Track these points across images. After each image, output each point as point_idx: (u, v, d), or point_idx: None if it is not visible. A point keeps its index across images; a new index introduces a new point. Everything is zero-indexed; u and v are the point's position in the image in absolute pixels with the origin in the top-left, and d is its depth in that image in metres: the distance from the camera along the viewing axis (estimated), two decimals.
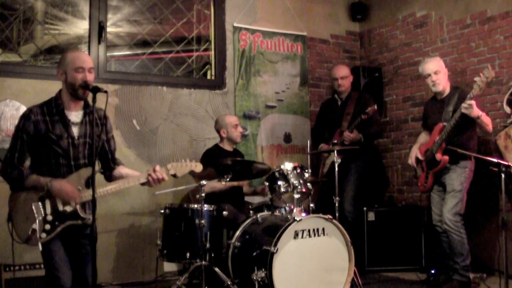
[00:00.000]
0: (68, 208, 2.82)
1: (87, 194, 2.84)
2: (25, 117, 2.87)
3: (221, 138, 4.76)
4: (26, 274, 4.00)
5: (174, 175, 3.09)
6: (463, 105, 4.01)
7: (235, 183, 4.60)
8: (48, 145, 2.84)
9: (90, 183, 2.87)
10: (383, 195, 6.06)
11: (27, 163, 2.89)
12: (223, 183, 4.02)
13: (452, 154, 4.12)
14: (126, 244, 4.90)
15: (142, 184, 3.01)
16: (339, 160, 4.39)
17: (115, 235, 4.86)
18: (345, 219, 4.99)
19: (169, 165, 3.07)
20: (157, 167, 2.99)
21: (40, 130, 2.84)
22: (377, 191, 6.02)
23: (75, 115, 2.94)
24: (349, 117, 5.07)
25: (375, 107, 4.83)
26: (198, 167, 3.18)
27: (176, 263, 4.88)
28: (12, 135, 2.93)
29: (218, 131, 4.77)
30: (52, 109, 2.90)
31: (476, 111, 4.01)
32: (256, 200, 4.84)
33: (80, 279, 2.92)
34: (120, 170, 3.12)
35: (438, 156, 4.22)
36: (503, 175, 3.54)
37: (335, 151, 4.38)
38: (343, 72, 5.25)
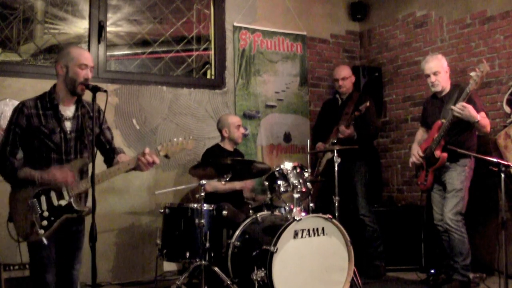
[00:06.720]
0: (63, 202, 2.82)
1: (80, 186, 2.85)
2: (18, 110, 2.86)
3: (223, 138, 4.76)
4: (26, 273, 3.99)
5: (166, 156, 3.03)
6: (454, 108, 4.00)
7: (237, 187, 4.58)
8: (40, 139, 2.83)
9: (82, 173, 2.92)
10: (380, 195, 6.05)
11: (20, 155, 2.88)
12: (223, 183, 4.01)
13: (452, 152, 4.12)
14: (126, 243, 4.90)
15: (133, 169, 2.96)
16: (339, 160, 4.38)
17: (115, 235, 4.86)
18: (361, 222, 5.00)
19: (159, 146, 3.02)
20: (147, 150, 2.92)
21: (32, 124, 2.83)
22: (375, 191, 5.99)
23: (68, 110, 2.93)
24: (347, 116, 5.02)
25: (368, 104, 4.69)
26: (190, 144, 3.10)
27: (175, 262, 4.87)
28: (5, 128, 2.91)
29: (220, 130, 4.77)
30: (46, 103, 2.89)
31: (474, 115, 4.00)
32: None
33: (65, 279, 2.92)
34: (119, 159, 3.08)
35: (437, 153, 4.22)
36: (503, 175, 3.53)
37: (335, 151, 4.38)
38: (344, 73, 5.20)
